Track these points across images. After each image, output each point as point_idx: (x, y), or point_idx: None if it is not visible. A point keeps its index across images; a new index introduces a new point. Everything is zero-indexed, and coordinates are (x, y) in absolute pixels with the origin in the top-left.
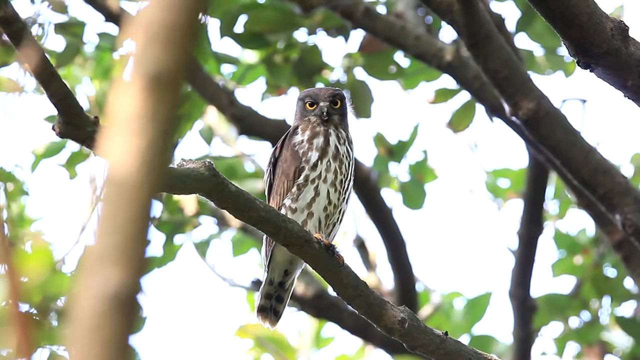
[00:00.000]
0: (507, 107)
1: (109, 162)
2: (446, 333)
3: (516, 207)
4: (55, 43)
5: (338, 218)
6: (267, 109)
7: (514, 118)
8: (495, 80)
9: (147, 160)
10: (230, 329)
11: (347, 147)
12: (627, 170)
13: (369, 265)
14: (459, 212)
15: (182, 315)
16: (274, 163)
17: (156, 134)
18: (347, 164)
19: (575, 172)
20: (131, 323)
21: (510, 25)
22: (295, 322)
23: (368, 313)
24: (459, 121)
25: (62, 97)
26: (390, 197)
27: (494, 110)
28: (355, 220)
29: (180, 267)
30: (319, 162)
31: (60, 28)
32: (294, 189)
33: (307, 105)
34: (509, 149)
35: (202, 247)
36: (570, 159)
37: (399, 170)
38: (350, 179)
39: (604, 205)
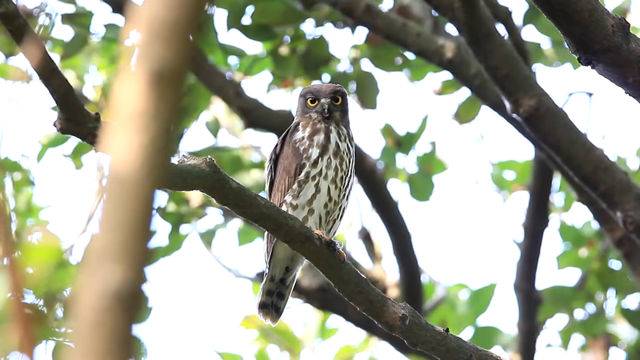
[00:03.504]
0: (507, 105)
1: (111, 159)
2: (447, 330)
3: (522, 199)
4: (62, 33)
5: (338, 215)
6: (273, 100)
7: (514, 115)
8: (496, 77)
9: (149, 156)
10: (235, 319)
11: (347, 144)
12: (633, 164)
13: (375, 257)
14: (465, 204)
15: (188, 305)
16: (275, 160)
17: (158, 130)
18: (347, 161)
19: (576, 169)
20: (133, 319)
21: (518, 18)
22: (300, 314)
23: (369, 310)
24: (465, 113)
25: (63, 93)
26: (397, 188)
27: (495, 108)
28: (360, 212)
29: (186, 257)
30: (320, 159)
31: (67, 18)
32: (295, 186)
33: (309, 101)
34: (515, 141)
35: (207, 237)
36: (571, 156)
37: (407, 162)
38: (350, 175)
39: (604, 202)
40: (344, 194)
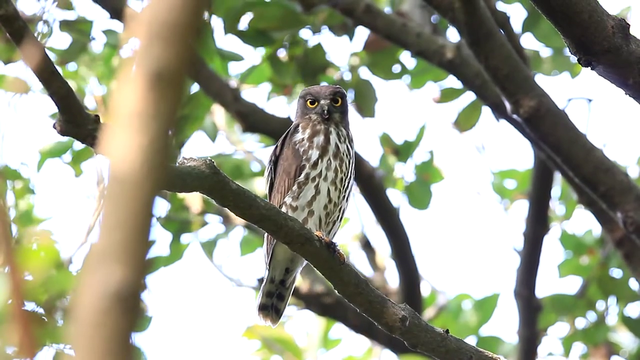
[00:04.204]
0: (508, 105)
1: (111, 160)
2: (447, 331)
3: (522, 207)
4: (61, 40)
5: (338, 216)
6: (272, 109)
7: (515, 116)
8: (496, 78)
9: (149, 157)
10: (238, 329)
11: (347, 145)
12: (633, 172)
13: (375, 266)
14: (466, 213)
15: (189, 315)
16: (275, 161)
17: (158, 131)
18: (347, 162)
19: (577, 170)
20: (133, 321)
21: (517, 25)
22: (302, 323)
23: (369, 311)
24: (465, 121)
25: (63, 95)
26: (396, 197)
27: (496, 108)
28: (361, 221)
29: (187, 266)
30: (320, 161)
31: (65, 25)
32: (295, 187)
33: (308, 103)
34: (516, 150)
35: (208, 247)
36: (572, 157)
37: (405, 171)
38: (350, 177)
39: (605, 203)
40: (344, 196)
